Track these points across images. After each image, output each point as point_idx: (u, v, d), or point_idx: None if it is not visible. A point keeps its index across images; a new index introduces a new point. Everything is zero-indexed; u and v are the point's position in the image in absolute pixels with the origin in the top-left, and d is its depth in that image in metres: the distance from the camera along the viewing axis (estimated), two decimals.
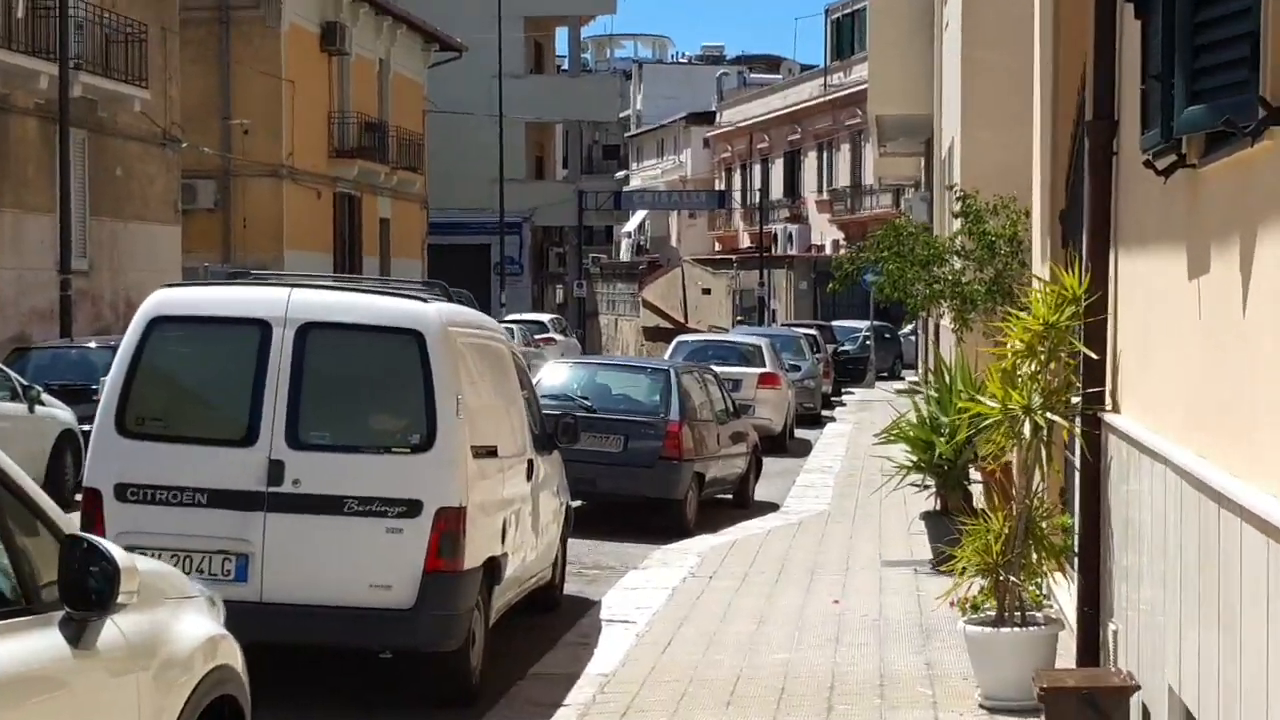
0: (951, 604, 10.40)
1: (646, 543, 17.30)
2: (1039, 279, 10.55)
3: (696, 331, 46.18)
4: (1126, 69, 8.80)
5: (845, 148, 70.11)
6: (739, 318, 61.29)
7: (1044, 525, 9.71)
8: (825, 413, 36.86)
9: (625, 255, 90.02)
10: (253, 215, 42.08)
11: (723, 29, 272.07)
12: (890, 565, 15.44)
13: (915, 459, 14.93)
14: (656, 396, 19.14)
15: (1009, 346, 9.89)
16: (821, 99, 71.36)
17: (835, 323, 53.30)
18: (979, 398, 10.04)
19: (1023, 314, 9.97)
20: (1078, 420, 9.51)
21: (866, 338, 50.14)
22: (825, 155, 72.75)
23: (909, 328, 43.39)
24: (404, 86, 53.11)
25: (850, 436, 30.40)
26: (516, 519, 11.62)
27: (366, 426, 10.30)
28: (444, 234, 60.60)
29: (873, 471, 20.01)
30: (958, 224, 22.31)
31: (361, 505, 9.90)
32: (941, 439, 14.58)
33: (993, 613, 9.95)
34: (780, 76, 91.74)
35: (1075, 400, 9.59)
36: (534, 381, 19.93)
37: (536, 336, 47.65)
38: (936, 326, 31.21)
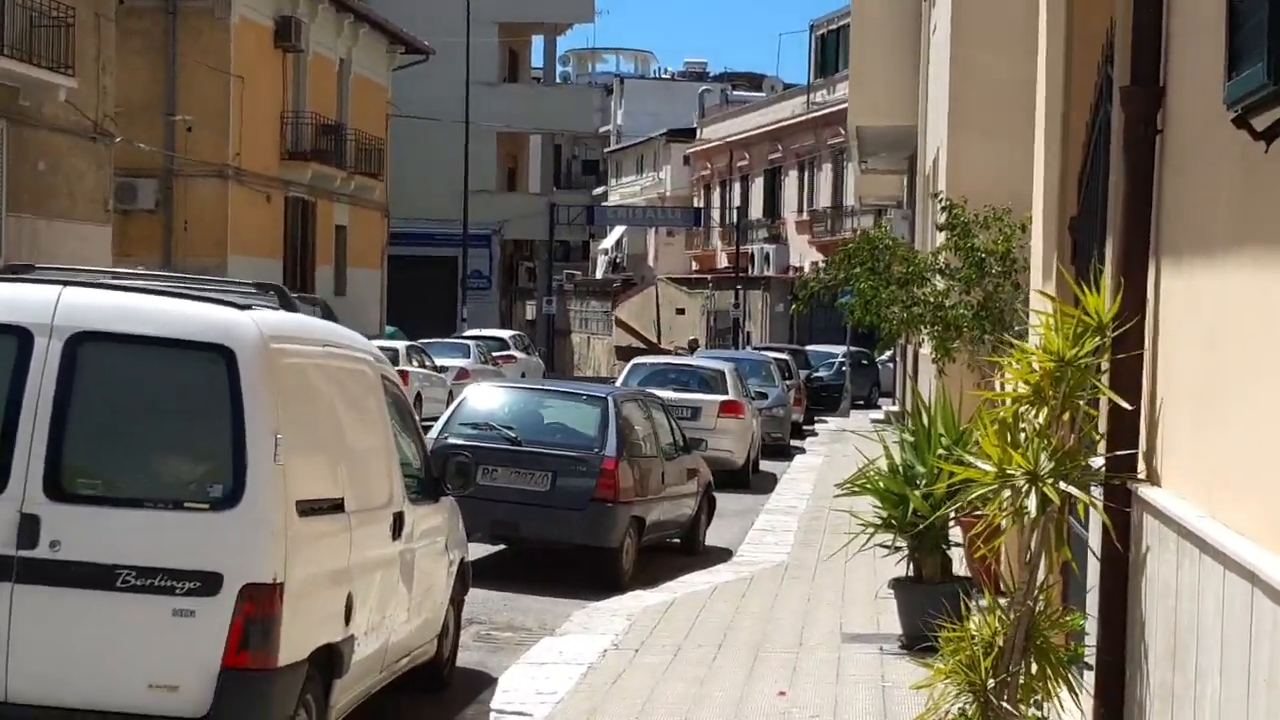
0: None
1: (573, 597, 14.91)
2: (1048, 296, 8.06)
3: (665, 352, 43.88)
4: (1178, 10, 6.38)
5: (827, 168, 67.74)
6: (691, 338, 58.67)
7: (1049, 635, 7.20)
8: (795, 443, 34.47)
9: (601, 272, 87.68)
10: (195, 218, 39.58)
11: (706, 45, 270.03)
12: (852, 641, 12.94)
13: (885, 515, 12.41)
14: (591, 428, 16.59)
15: (1007, 388, 7.45)
16: (804, 116, 68.96)
17: (810, 347, 51.09)
18: (968, 457, 7.52)
19: (1026, 345, 7.53)
20: (1096, 491, 7.07)
21: (843, 364, 47.83)
22: (806, 175, 70.35)
23: (885, 354, 40.95)
24: (366, 89, 50.52)
25: (819, 471, 27.93)
26: (375, 589, 9.15)
27: (152, 473, 7.76)
28: (409, 244, 58.31)
29: (840, 514, 17.57)
30: (942, 238, 19.85)
31: (141, 578, 7.42)
32: (916, 493, 12.08)
33: None
34: (763, 94, 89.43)
35: (1095, 464, 7.14)
36: (455, 406, 17.62)
37: (496, 354, 45.35)
38: (915, 356, 28.73)
